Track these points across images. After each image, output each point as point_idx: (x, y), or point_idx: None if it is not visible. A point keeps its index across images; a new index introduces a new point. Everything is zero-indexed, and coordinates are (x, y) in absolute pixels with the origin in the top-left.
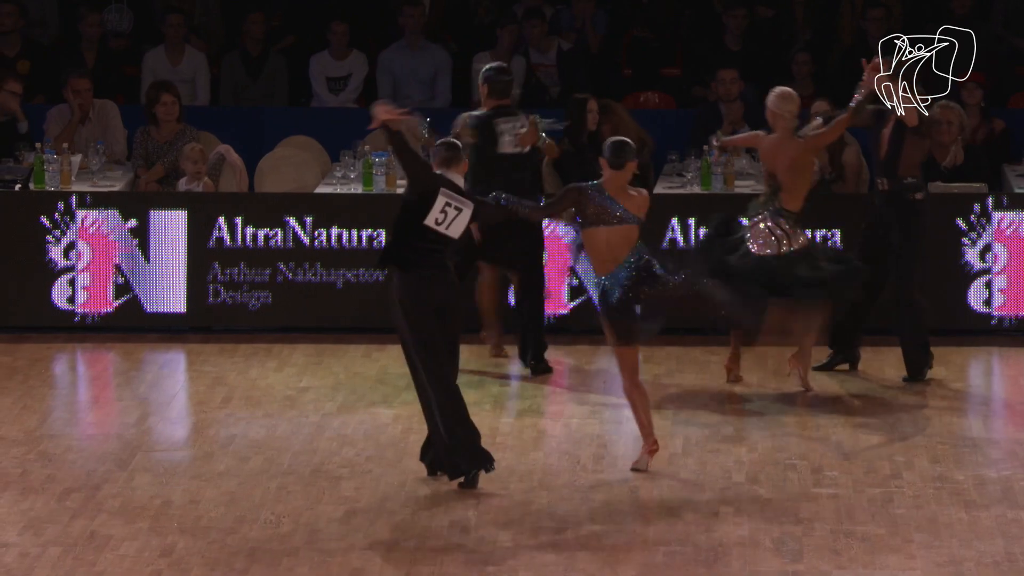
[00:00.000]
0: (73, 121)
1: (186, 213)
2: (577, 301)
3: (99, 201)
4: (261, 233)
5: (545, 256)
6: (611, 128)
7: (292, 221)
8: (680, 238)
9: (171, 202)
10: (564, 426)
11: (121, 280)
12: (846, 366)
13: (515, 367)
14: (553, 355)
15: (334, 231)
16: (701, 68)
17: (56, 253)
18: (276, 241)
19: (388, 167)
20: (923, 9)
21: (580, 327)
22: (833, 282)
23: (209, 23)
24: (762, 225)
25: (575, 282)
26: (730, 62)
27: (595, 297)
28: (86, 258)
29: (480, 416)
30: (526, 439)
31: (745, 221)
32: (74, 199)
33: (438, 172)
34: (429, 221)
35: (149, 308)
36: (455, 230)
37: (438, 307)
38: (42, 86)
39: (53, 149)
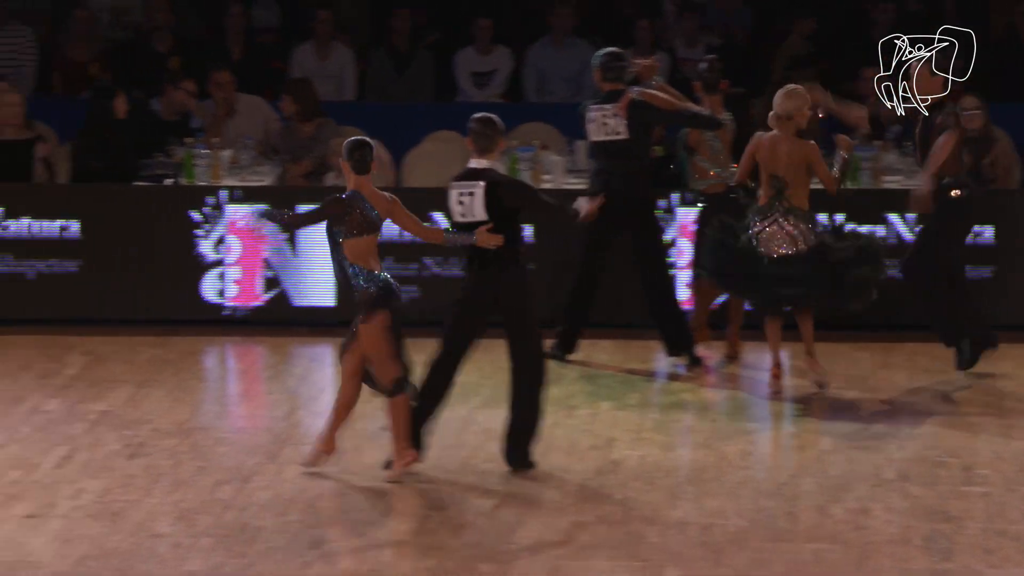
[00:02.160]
0: (218, 115)
1: None
2: (725, 298)
3: (249, 195)
4: None
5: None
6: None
7: (439, 216)
8: None
9: (319, 196)
10: (711, 422)
11: (270, 274)
12: (991, 351)
13: (661, 362)
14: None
15: None
16: (849, 62)
17: (206, 247)
18: None
19: (533, 162)
20: None
21: (723, 323)
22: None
23: (356, 19)
24: (775, 227)
25: None
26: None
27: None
28: (236, 252)
29: (626, 412)
30: (673, 434)
31: (753, 226)
32: (224, 193)
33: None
34: (456, 217)
35: (298, 302)
36: (478, 212)
37: (487, 302)
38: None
39: (203, 144)
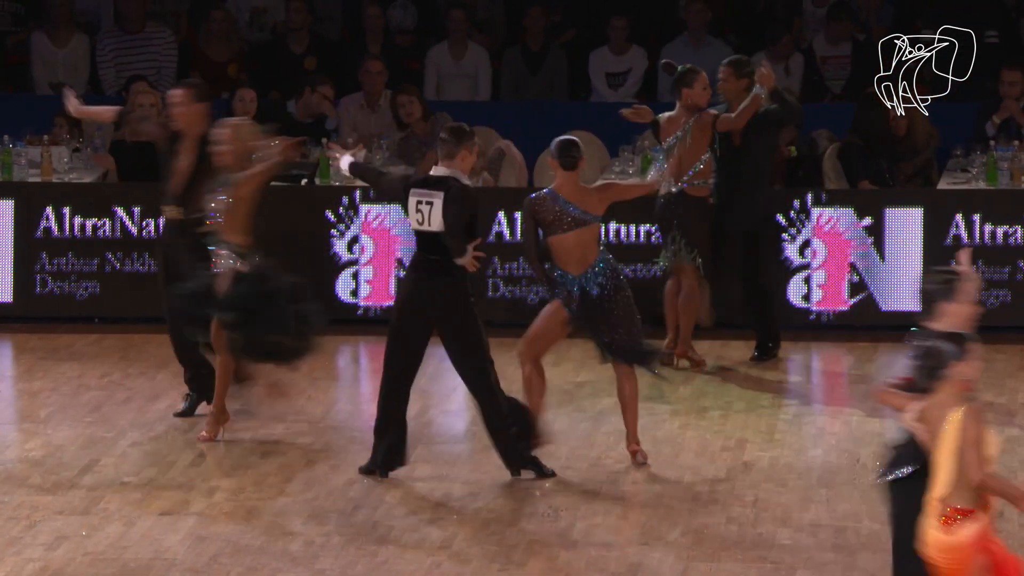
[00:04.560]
0: (366, 100)
1: None
2: (857, 298)
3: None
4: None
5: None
6: (908, 118)
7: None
8: (964, 234)
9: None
10: (844, 423)
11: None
12: None
13: (793, 366)
14: (832, 352)
15: (612, 226)
16: (990, 60)
17: (340, 247)
18: None
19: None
20: None
21: (860, 324)
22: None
23: (491, 18)
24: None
25: (855, 279)
26: (1020, 56)
27: (569, 295)
28: (369, 252)
29: (758, 413)
30: (805, 436)
31: None
32: (358, 194)
33: (422, 172)
34: (413, 225)
35: None
36: (435, 223)
37: (424, 312)
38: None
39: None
